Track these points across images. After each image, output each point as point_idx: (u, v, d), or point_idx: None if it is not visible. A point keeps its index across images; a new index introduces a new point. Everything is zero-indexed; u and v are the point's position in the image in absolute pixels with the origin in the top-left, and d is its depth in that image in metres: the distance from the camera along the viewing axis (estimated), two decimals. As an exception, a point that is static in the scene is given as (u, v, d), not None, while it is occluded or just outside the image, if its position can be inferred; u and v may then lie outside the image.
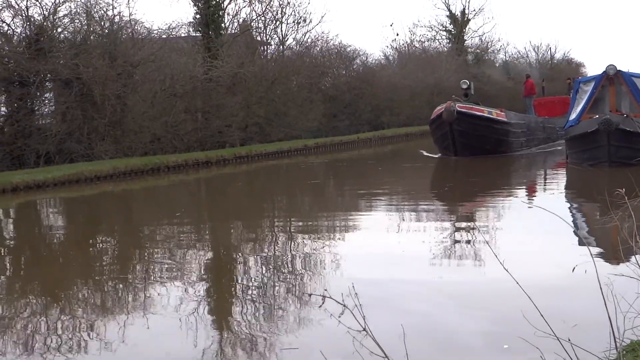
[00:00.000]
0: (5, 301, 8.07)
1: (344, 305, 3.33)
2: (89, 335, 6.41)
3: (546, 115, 32.39)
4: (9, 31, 23.72)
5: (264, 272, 8.80)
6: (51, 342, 6.29)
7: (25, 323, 7.00)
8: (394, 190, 18.11)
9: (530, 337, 4.14)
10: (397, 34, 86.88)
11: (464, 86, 26.12)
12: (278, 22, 37.98)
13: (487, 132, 24.13)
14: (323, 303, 3.36)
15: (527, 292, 3.96)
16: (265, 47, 38.17)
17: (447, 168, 23.38)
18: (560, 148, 26.76)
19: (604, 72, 20.72)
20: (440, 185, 18.42)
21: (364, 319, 3.28)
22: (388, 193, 17.31)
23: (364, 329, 3.27)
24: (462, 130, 23.52)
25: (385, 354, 3.31)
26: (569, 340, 3.71)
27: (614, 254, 8.23)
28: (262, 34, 37.75)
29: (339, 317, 3.28)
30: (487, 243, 7.66)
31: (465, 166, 22.27)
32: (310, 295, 6.70)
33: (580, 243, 9.12)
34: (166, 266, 9.49)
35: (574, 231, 9.92)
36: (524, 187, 18.30)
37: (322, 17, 76.96)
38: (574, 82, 26.36)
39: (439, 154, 25.54)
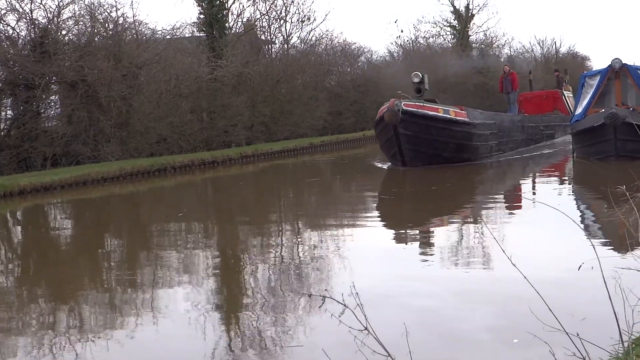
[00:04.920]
0: (15, 302, 8.08)
1: (345, 305, 3.31)
2: (98, 334, 6.41)
3: (534, 113, 28.91)
4: (13, 34, 23.82)
5: (266, 271, 8.77)
6: (61, 342, 6.31)
7: (35, 323, 7.01)
8: (394, 188, 18.06)
9: (538, 332, 4.11)
10: (402, 31, 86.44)
11: (416, 79, 21.02)
12: (282, 21, 38.02)
13: (443, 135, 19.64)
14: (323, 303, 3.34)
15: (534, 287, 3.93)
16: (269, 46, 38.20)
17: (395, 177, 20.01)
18: (546, 151, 24.62)
19: (610, 65, 20.62)
20: (441, 182, 18.34)
21: (365, 318, 3.26)
22: (387, 191, 17.25)
23: (366, 328, 3.24)
24: (411, 134, 19.14)
25: (387, 352, 3.28)
26: (578, 334, 3.67)
27: (621, 247, 8.18)
28: (266, 33, 37.79)
29: (340, 316, 3.25)
30: (494, 238, 7.61)
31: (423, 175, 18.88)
32: (310, 295, 6.66)
33: (586, 238, 9.07)
34: (172, 267, 9.49)
35: (579, 226, 9.85)
36: (527, 183, 18.20)
37: (326, 15, 77.04)
38: (578, 75, 25.38)
39: (389, 164, 21.40)
